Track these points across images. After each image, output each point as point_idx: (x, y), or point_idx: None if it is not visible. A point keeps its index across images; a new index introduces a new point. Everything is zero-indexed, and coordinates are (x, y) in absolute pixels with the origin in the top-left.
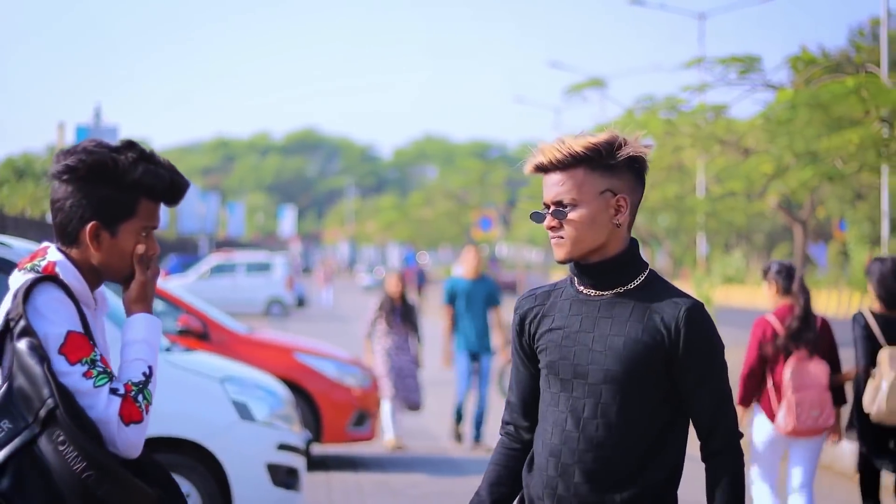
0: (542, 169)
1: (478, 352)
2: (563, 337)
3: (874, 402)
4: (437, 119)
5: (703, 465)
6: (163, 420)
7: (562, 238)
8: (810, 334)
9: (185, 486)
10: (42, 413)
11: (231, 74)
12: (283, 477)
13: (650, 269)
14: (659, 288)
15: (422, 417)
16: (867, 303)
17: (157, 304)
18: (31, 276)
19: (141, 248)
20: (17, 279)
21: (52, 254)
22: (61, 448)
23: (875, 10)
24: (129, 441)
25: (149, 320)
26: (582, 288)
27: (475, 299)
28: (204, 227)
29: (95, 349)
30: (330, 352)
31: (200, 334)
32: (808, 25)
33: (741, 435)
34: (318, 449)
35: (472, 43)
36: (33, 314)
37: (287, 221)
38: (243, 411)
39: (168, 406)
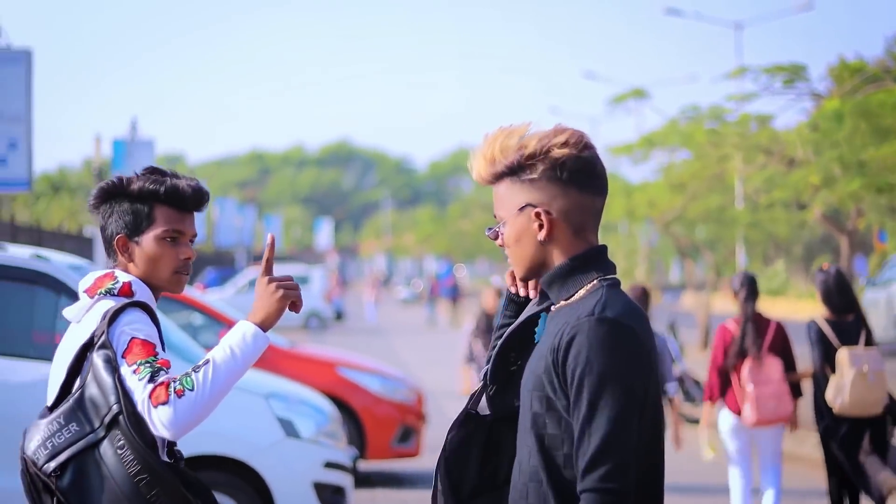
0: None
1: None
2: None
3: (837, 396)
4: (472, 131)
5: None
6: (206, 438)
7: (508, 257)
8: (756, 338)
9: None
10: (108, 419)
11: (265, 87)
12: (330, 496)
13: (600, 279)
14: (589, 300)
15: None
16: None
17: (197, 318)
18: (111, 299)
19: (186, 254)
20: (85, 307)
21: (122, 275)
22: (120, 452)
23: None
24: (156, 421)
25: (242, 326)
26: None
27: None
28: (241, 240)
29: (156, 355)
30: (374, 366)
31: None
32: (844, 36)
33: (619, 482)
34: (362, 465)
35: (506, 55)
36: (113, 330)
37: (324, 234)
38: (289, 428)
39: (211, 423)
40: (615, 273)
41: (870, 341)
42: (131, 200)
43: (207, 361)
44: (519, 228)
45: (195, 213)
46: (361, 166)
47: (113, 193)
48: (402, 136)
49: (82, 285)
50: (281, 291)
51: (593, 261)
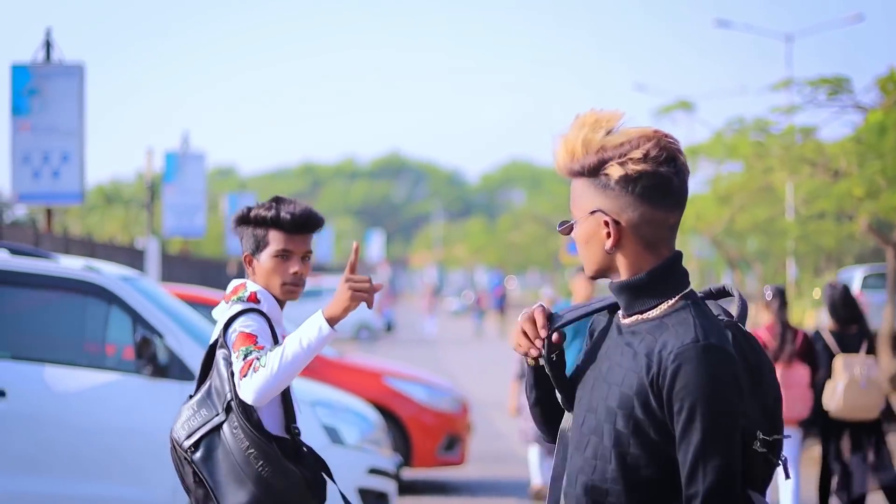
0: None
1: None
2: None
3: (832, 400)
4: (523, 143)
5: None
6: None
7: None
8: (787, 345)
9: None
10: (225, 404)
11: (316, 100)
12: (374, 501)
13: (683, 295)
14: (678, 319)
15: (510, 441)
16: None
17: None
18: (239, 305)
19: (294, 269)
20: (225, 309)
21: (250, 286)
22: (234, 431)
23: None
24: (241, 391)
25: (313, 318)
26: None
27: (584, 331)
28: None
29: (257, 343)
30: (420, 376)
31: None
32: (895, 47)
33: None
34: (407, 473)
35: (557, 66)
36: (229, 331)
37: (375, 246)
38: (333, 435)
39: None
40: (688, 280)
41: (871, 351)
42: (253, 226)
43: (279, 345)
44: (588, 231)
45: (311, 234)
46: (413, 178)
47: (242, 220)
48: (453, 148)
49: (226, 292)
50: (351, 293)
51: (669, 275)
